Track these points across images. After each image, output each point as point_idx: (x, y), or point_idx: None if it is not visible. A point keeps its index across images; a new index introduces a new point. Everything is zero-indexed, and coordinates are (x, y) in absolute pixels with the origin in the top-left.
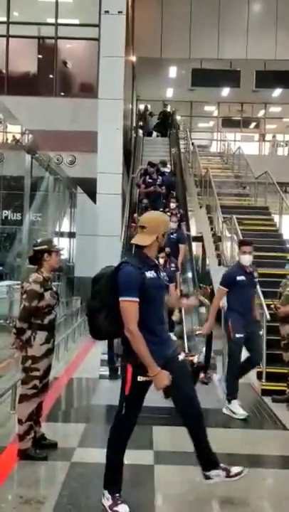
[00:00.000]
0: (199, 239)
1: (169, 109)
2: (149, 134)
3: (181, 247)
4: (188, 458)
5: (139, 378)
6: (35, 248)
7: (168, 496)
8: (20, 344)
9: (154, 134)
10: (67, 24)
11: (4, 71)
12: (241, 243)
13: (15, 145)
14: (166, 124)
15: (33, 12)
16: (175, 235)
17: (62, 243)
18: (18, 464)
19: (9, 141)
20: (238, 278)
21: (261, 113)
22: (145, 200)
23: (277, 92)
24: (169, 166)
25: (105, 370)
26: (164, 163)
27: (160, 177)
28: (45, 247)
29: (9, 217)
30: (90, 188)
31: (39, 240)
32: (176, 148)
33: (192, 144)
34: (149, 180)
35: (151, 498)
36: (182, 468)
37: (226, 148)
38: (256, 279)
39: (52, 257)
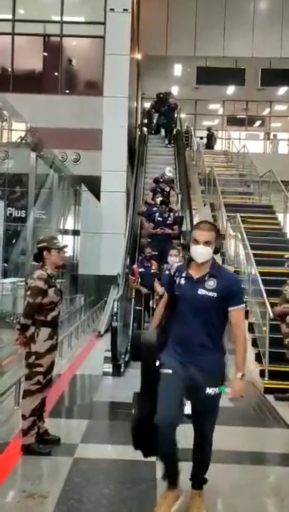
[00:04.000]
0: None
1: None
2: (156, 132)
3: None
4: (189, 454)
5: None
6: (37, 246)
7: None
8: (24, 340)
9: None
10: (72, 22)
11: (10, 69)
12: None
13: (20, 143)
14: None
15: (38, 10)
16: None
17: (66, 241)
18: (21, 459)
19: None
20: None
21: (266, 111)
22: (148, 251)
23: (282, 90)
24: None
25: (109, 367)
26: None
27: (171, 214)
28: (44, 244)
29: (13, 215)
30: (94, 185)
31: (40, 238)
32: (182, 156)
33: (200, 138)
34: (158, 219)
35: (153, 494)
36: (183, 465)
37: (230, 146)
38: None
39: (51, 254)
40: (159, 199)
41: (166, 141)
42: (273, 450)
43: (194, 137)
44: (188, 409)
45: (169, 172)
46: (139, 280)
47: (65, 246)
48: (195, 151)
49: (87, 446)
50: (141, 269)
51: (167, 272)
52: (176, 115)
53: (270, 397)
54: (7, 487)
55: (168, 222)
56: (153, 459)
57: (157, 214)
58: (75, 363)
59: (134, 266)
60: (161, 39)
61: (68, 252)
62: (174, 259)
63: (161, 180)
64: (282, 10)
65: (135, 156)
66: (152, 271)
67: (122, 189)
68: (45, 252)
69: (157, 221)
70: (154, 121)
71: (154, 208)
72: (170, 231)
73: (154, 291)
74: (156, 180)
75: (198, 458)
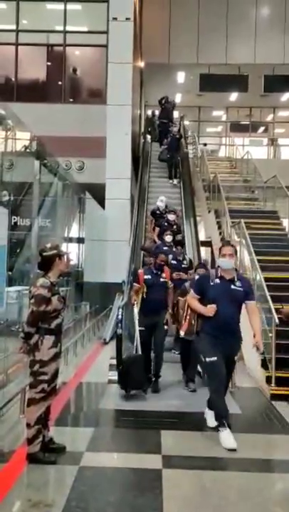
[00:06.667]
0: (208, 244)
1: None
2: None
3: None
4: (196, 462)
5: None
6: (47, 253)
7: (176, 500)
8: (28, 348)
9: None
10: (75, 31)
11: (13, 78)
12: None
13: (24, 151)
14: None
15: (41, 20)
16: (239, 283)
17: (71, 248)
18: (27, 468)
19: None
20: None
21: (270, 117)
22: None
23: (285, 96)
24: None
25: (114, 375)
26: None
27: (186, 257)
28: (56, 251)
29: (18, 223)
30: (98, 193)
31: (48, 246)
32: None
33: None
34: (172, 262)
35: (160, 502)
36: (190, 473)
37: (234, 153)
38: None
39: (62, 261)
40: (167, 236)
41: (171, 180)
42: (281, 457)
43: (198, 143)
44: None
45: (161, 202)
46: (145, 290)
47: (69, 253)
48: (199, 158)
49: (92, 454)
50: (147, 276)
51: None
52: (182, 143)
53: (276, 404)
54: (12, 496)
55: (183, 265)
56: (159, 467)
57: (171, 256)
58: (80, 370)
59: (140, 271)
60: (164, 47)
61: (73, 259)
62: (228, 262)
63: (158, 212)
64: (285, 16)
65: (139, 164)
66: (163, 280)
67: (126, 196)
68: (57, 259)
69: (170, 264)
70: (156, 128)
71: (164, 248)
72: (186, 276)
73: (174, 308)
74: (154, 213)
75: None
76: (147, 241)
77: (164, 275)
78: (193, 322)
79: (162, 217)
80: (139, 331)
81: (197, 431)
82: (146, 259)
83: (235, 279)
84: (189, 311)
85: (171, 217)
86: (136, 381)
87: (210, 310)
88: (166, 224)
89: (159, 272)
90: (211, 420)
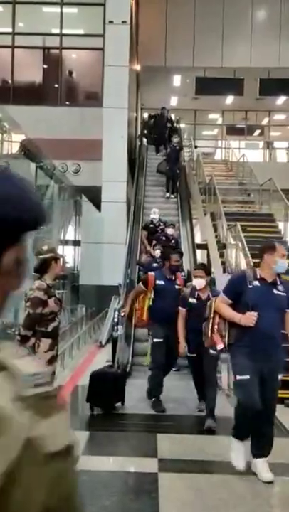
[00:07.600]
0: (204, 246)
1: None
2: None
3: None
4: (193, 465)
5: None
6: (43, 256)
7: (172, 504)
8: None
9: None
10: (71, 34)
11: (10, 81)
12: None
13: (20, 154)
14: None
15: (38, 23)
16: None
17: (67, 251)
18: None
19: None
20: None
21: (265, 121)
22: None
23: (281, 99)
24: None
25: None
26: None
27: (184, 268)
28: (52, 254)
29: None
30: (94, 196)
31: (44, 248)
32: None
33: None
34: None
35: (156, 506)
36: (186, 476)
37: (229, 156)
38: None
39: (58, 264)
40: (156, 252)
41: (168, 194)
42: (277, 460)
43: (192, 144)
44: None
45: (154, 213)
46: (152, 296)
47: (65, 256)
48: (195, 161)
49: (88, 458)
50: (159, 282)
51: None
52: (181, 155)
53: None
54: None
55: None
56: (155, 470)
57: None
58: (76, 373)
59: (151, 273)
60: (160, 50)
61: (69, 262)
62: (286, 264)
63: (151, 225)
64: (280, 20)
65: (135, 166)
66: (178, 287)
67: (122, 199)
68: (53, 262)
69: None
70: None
71: (155, 264)
72: (184, 289)
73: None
74: (147, 227)
75: None
76: (143, 256)
77: (178, 281)
78: (224, 333)
79: (156, 231)
80: (155, 343)
81: (193, 434)
82: (142, 273)
83: (278, 283)
84: (217, 319)
85: (170, 231)
86: (103, 400)
87: (250, 319)
88: (164, 238)
89: (173, 278)
90: (236, 460)
